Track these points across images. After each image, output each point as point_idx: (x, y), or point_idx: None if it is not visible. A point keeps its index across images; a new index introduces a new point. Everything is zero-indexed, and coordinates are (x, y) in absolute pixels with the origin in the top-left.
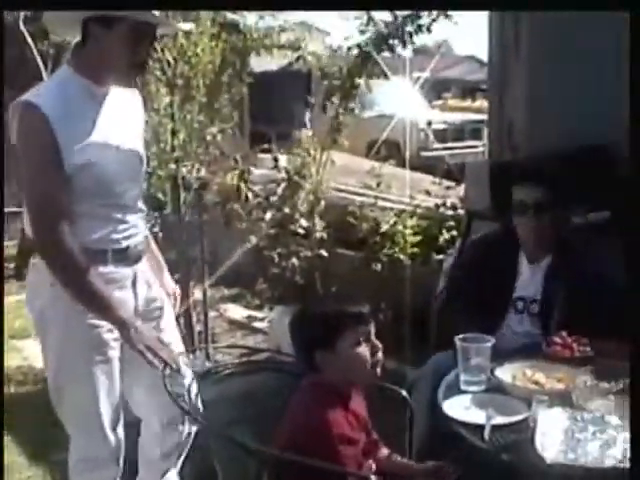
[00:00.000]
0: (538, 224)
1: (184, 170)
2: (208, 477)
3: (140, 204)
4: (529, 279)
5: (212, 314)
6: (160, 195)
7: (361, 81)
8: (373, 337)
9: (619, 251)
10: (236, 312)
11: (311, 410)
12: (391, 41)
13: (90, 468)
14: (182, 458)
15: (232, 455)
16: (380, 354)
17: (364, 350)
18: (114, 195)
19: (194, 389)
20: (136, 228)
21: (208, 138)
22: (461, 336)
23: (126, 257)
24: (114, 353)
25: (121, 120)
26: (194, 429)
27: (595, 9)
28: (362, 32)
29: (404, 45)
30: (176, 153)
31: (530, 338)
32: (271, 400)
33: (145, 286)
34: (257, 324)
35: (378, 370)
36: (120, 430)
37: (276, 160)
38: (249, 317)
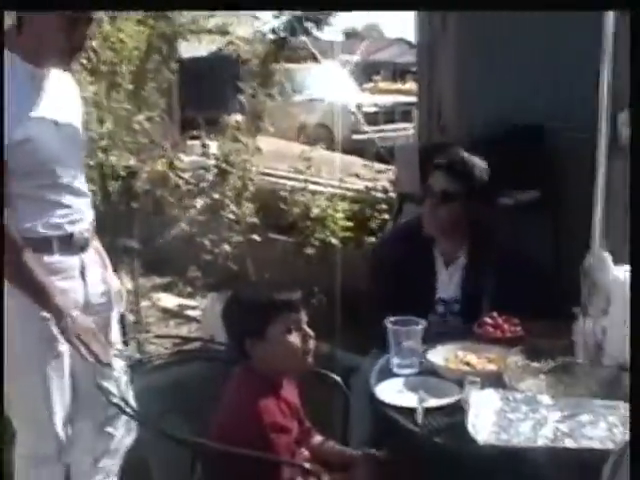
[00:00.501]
0: (446, 215)
1: (113, 159)
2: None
3: (84, 188)
4: (447, 280)
5: (144, 303)
6: (89, 184)
7: (277, 66)
8: (304, 325)
9: (549, 230)
10: (168, 301)
11: (242, 399)
12: (306, 24)
13: (35, 464)
14: (117, 465)
15: (165, 448)
16: (312, 342)
17: (295, 338)
18: (54, 175)
19: (124, 382)
20: (80, 213)
21: (135, 126)
22: (392, 319)
23: (72, 245)
24: (64, 348)
25: (60, 100)
26: (131, 434)
27: (595, 9)
28: (276, 17)
29: (318, 27)
30: (103, 142)
31: None
32: (204, 389)
33: (95, 276)
34: (190, 312)
35: (310, 359)
36: (69, 428)
37: (205, 147)
38: (181, 306)
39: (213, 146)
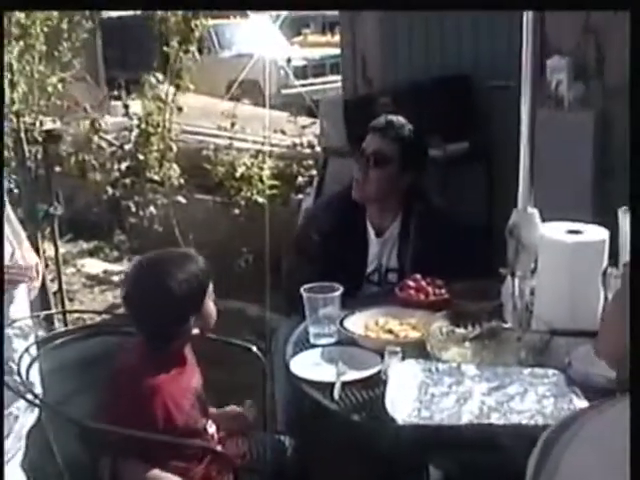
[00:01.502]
0: (369, 178)
1: (27, 122)
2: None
3: None
4: (380, 250)
5: (69, 270)
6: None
7: (201, 22)
8: None
9: (481, 184)
10: (94, 266)
11: (139, 377)
12: None
13: None
14: (22, 447)
15: (69, 430)
16: None
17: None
18: None
19: (26, 361)
20: None
21: (49, 89)
22: (307, 286)
23: None
24: None
25: None
26: (34, 412)
27: (595, 9)
28: None
29: None
30: (16, 106)
31: None
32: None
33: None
34: (115, 278)
35: None
36: None
37: (126, 107)
38: (107, 272)
39: (135, 106)
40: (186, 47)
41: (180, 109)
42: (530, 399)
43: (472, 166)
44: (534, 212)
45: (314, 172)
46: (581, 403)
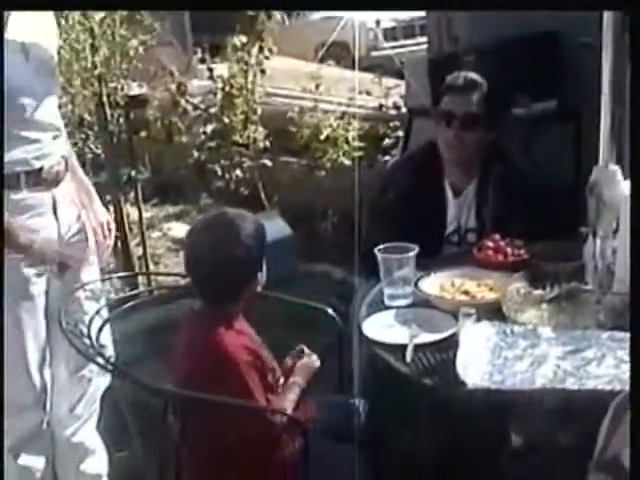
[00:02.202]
0: (461, 140)
1: (111, 87)
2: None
3: (55, 121)
4: (458, 210)
5: (155, 234)
6: (86, 115)
7: None
8: None
9: (569, 144)
10: (181, 230)
11: (210, 342)
12: None
13: (13, 414)
14: (96, 410)
15: (139, 394)
16: None
17: None
18: (20, 108)
19: (97, 324)
20: (50, 147)
21: (131, 52)
22: (382, 247)
23: (41, 180)
24: (37, 289)
25: (31, 28)
26: (107, 375)
27: (595, 9)
28: None
29: None
30: (98, 70)
31: None
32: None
33: (69, 213)
34: None
35: None
36: (47, 372)
37: (211, 70)
38: None
39: (219, 69)
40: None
41: (263, 71)
42: (608, 364)
43: (560, 125)
44: (616, 169)
45: (400, 133)
46: None
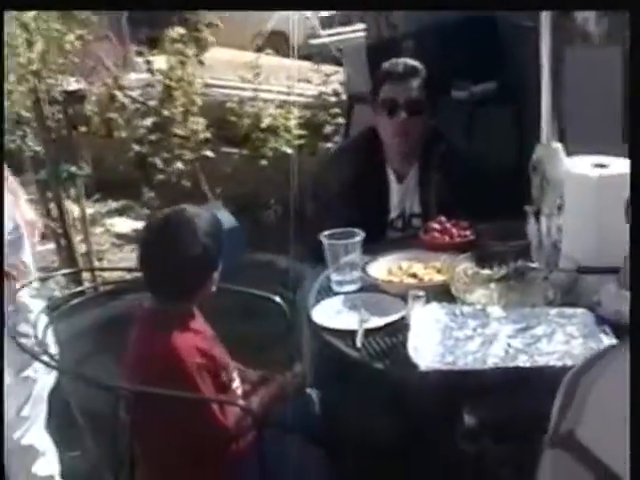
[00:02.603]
0: (407, 128)
1: (48, 83)
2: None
3: None
4: (402, 196)
5: (98, 230)
6: (24, 112)
7: None
8: None
9: (509, 125)
10: (124, 225)
11: (162, 341)
12: None
13: None
14: (44, 411)
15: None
16: None
17: None
18: None
19: (42, 323)
20: None
21: (67, 47)
22: (328, 233)
23: None
24: None
25: None
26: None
27: (595, 9)
28: None
29: None
30: (34, 66)
31: None
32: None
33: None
34: None
35: None
36: None
37: (149, 63)
38: (137, 230)
39: (158, 62)
40: None
41: (201, 63)
42: (558, 340)
43: (500, 107)
44: (558, 146)
45: (341, 120)
46: (611, 342)
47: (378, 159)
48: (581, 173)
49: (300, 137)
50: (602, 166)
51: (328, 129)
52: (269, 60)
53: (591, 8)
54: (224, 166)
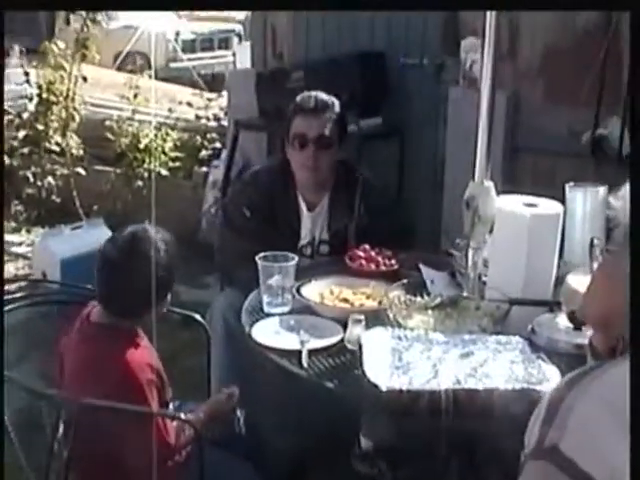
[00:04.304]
0: (316, 162)
1: None
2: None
3: None
4: (312, 224)
5: None
6: None
7: None
8: None
9: (389, 158)
10: None
11: (115, 355)
12: None
13: None
14: None
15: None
16: None
17: None
18: None
19: None
20: None
21: None
22: (262, 255)
23: None
24: None
25: None
26: None
27: (596, 9)
28: None
29: None
30: None
31: None
32: (43, 334)
33: None
34: (15, 249)
35: None
36: None
37: (27, 74)
38: (6, 242)
39: (35, 74)
40: (94, 15)
41: (85, 79)
42: (501, 364)
43: (385, 141)
44: (490, 185)
45: (218, 145)
46: (549, 368)
47: (291, 188)
48: (513, 211)
49: (175, 159)
50: (532, 205)
51: (204, 153)
52: (148, 81)
53: (591, 8)
54: (97, 184)
